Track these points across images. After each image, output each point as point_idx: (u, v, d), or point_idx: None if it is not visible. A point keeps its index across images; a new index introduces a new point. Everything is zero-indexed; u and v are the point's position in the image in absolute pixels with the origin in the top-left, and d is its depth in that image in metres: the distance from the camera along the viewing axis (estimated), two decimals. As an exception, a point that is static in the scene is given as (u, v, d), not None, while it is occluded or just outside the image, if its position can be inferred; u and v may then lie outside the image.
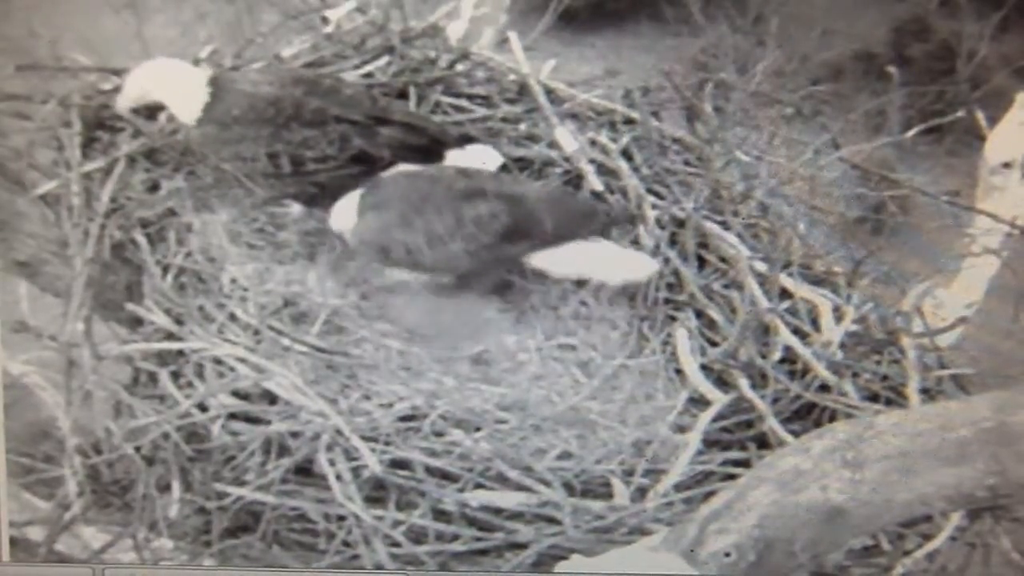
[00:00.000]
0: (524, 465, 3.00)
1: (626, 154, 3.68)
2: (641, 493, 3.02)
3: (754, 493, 2.62)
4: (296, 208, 3.46)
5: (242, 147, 3.32)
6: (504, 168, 3.64)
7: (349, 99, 3.44)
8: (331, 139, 3.33)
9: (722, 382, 3.26)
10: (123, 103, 3.44)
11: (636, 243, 3.50)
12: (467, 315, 3.33)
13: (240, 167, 3.37)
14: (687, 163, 3.71)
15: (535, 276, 3.38)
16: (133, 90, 3.40)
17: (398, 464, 2.97)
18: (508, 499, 2.96)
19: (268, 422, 3.03)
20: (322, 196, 3.38)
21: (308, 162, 3.34)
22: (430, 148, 3.44)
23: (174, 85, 3.37)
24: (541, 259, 3.30)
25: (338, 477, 2.94)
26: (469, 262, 3.25)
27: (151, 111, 3.62)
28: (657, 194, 3.60)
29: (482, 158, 3.51)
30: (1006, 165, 4.28)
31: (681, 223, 3.53)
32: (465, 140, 3.52)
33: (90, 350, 3.20)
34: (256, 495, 2.98)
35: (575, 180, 3.64)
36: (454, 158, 3.46)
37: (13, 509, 3.21)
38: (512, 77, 3.82)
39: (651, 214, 3.51)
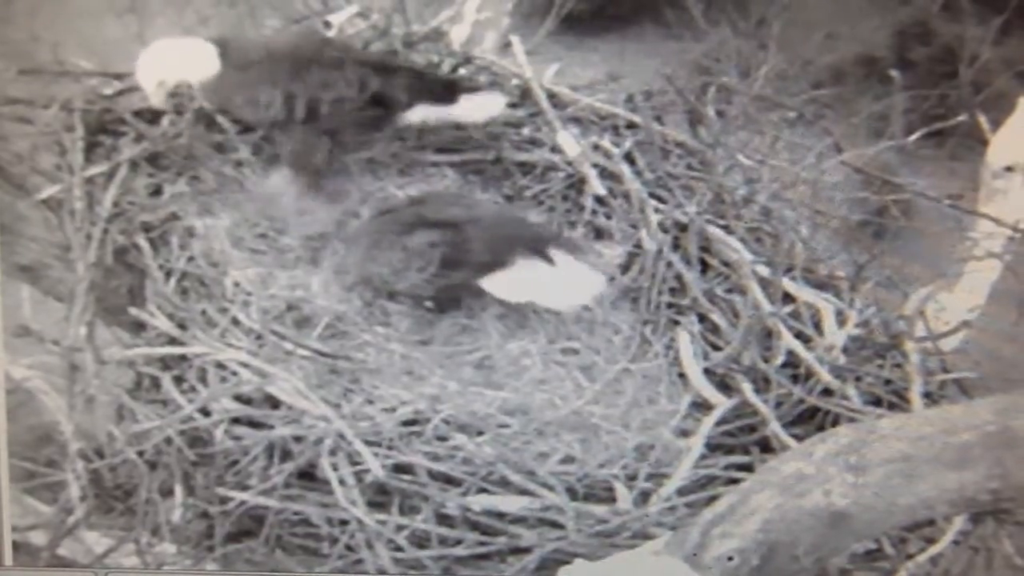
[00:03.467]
0: (527, 469, 3.00)
1: (629, 158, 3.68)
2: (644, 497, 3.01)
3: (757, 497, 2.62)
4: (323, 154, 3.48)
5: (258, 91, 3.34)
6: (506, 171, 3.65)
7: (364, 50, 3.56)
8: (349, 80, 3.36)
9: (725, 386, 3.26)
10: (156, 100, 3.44)
11: (639, 247, 3.50)
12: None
13: (252, 113, 3.39)
14: (689, 167, 3.72)
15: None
16: (153, 83, 3.40)
17: (401, 468, 2.97)
18: (511, 503, 2.96)
19: (271, 426, 3.02)
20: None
21: (324, 105, 3.35)
22: (445, 91, 3.50)
23: (183, 59, 3.38)
24: (490, 284, 3.30)
25: (341, 481, 2.94)
26: (430, 288, 3.27)
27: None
28: (660, 198, 3.60)
29: (489, 102, 3.58)
30: (1009, 169, 4.29)
31: (684, 227, 3.53)
32: (475, 88, 3.60)
33: (93, 354, 3.20)
34: (259, 499, 2.98)
35: (578, 184, 3.64)
36: (467, 100, 3.53)
37: (16, 513, 3.21)
38: (515, 81, 3.82)
39: (654, 218, 3.51)
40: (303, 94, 3.35)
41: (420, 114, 3.51)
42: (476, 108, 3.58)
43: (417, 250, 3.22)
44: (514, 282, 3.29)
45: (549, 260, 3.28)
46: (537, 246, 3.28)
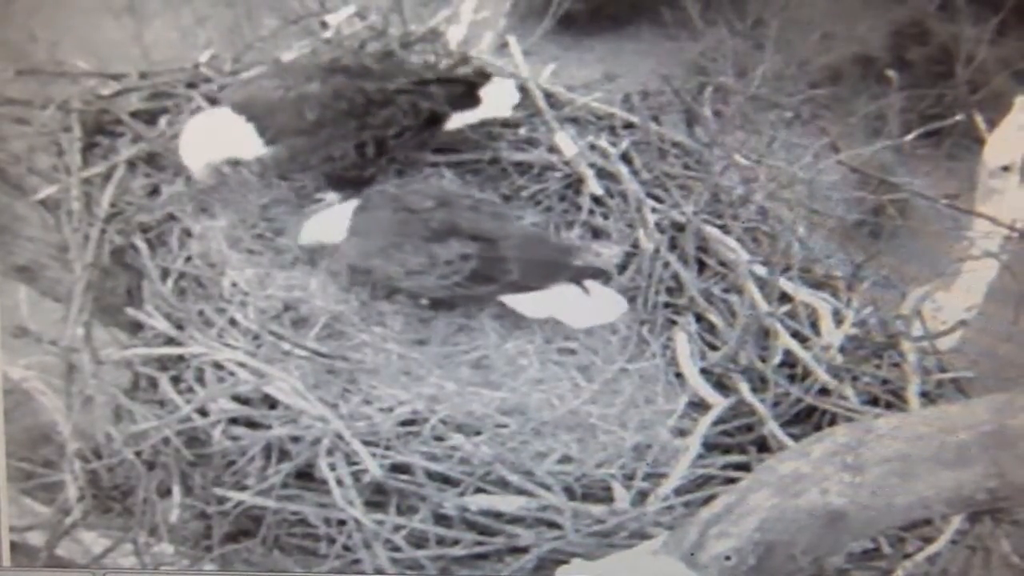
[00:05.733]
0: (524, 469, 3.00)
1: (626, 158, 3.68)
2: (641, 497, 3.02)
3: (754, 497, 2.62)
4: (332, 196, 3.50)
5: (333, 148, 3.37)
6: (503, 171, 3.65)
7: (386, 73, 3.54)
8: (404, 110, 3.42)
9: (722, 386, 3.26)
10: (202, 177, 3.41)
11: (636, 247, 3.50)
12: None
13: (329, 168, 3.42)
14: (686, 167, 3.71)
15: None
16: (201, 164, 3.38)
17: (398, 468, 2.98)
18: (508, 503, 2.96)
19: (268, 427, 3.03)
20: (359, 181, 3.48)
21: (389, 140, 3.42)
22: (470, 91, 3.54)
23: (225, 137, 3.37)
24: (512, 300, 3.30)
25: (339, 482, 2.94)
26: (444, 293, 3.27)
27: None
28: (657, 198, 3.60)
29: (503, 91, 3.60)
30: (1005, 168, 4.29)
31: (681, 227, 3.54)
32: (485, 77, 3.63)
33: (90, 355, 3.20)
34: (257, 500, 2.98)
35: (575, 184, 3.64)
36: (486, 95, 3.55)
37: (13, 514, 3.21)
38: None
39: (651, 218, 3.51)
40: (371, 138, 3.40)
41: (458, 121, 3.56)
42: (498, 101, 3.60)
43: (447, 259, 3.21)
44: (540, 302, 3.29)
45: (585, 290, 3.28)
46: (578, 278, 3.29)
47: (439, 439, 3.04)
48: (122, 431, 3.10)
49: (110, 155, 3.54)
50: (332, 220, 3.32)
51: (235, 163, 3.43)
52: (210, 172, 3.40)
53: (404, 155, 3.58)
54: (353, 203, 3.32)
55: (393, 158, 3.55)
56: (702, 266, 3.51)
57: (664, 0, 4.71)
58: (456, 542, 2.94)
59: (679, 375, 3.31)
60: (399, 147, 3.47)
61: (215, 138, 3.37)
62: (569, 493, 3.00)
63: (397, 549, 2.91)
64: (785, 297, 3.40)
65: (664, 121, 3.84)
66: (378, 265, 3.24)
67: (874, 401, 3.25)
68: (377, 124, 3.39)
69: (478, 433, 3.06)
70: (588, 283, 3.29)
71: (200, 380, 3.13)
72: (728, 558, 2.58)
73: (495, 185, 3.66)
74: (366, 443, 2.97)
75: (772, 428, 3.14)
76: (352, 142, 3.38)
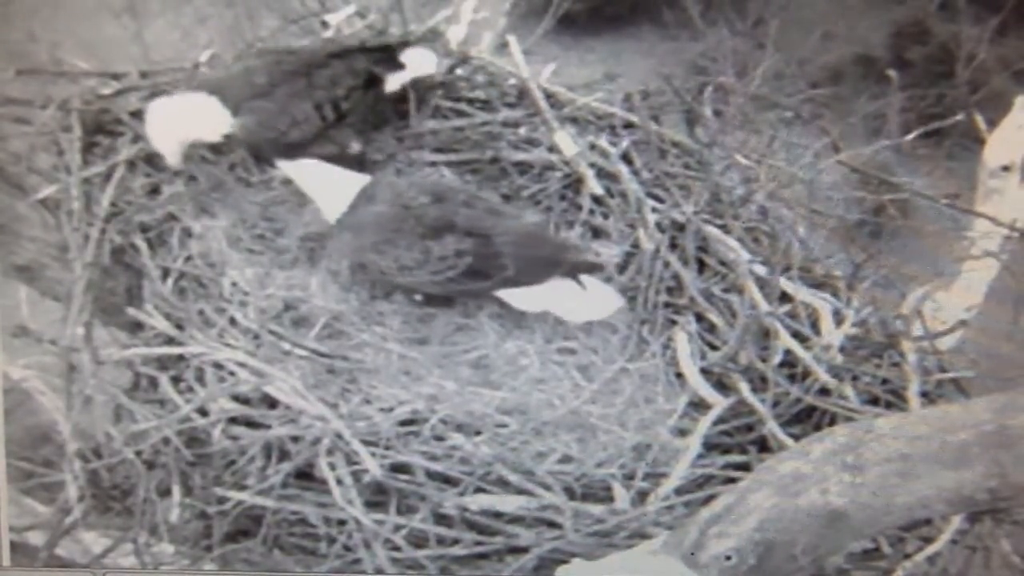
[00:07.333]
0: (525, 469, 3.00)
1: (626, 158, 3.68)
2: (642, 497, 3.02)
3: (754, 497, 2.62)
4: (355, 145, 3.56)
5: (293, 108, 3.42)
6: (503, 171, 3.65)
7: (324, 45, 3.69)
8: (343, 71, 3.50)
9: (722, 386, 3.26)
10: (174, 160, 3.45)
11: (636, 247, 3.50)
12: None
13: (298, 134, 3.44)
14: (687, 167, 3.71)
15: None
16: (172, 146, 3.41)
17: (398, 468, 2.97)
18: (509, 503, 2.96)
19: (268, 426, 3.03)
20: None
21: (341, 102, 3.47)
22: (394, 54, 3.63)
23: (193, 117, 3.40)
24: (507, 295, 3.30)
25: (339, 481, 2.94)
26: (438, 289, 3.27)
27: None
28: (657, 198, 3.60)
29: (421, 54, 3.67)
30: (1005, 168, 4.29)
31: (681, 227, 3.53)
32: (406, 45, 3.71)
33: (90, 354, 3.20)
34: (257, 499, 2.98)
35: (575, 184, 3.65)
36: (406, 57, 3.64)
37: (13, 514, 3.21)
38: (512, 81, 3.82)
39: (651, 218, 3.52)
40: (325, 99, 3.45)
41: (394, 82, 3.60)
42: (420, 62, 3.67)
43: (441, 255, 3.21)
44: (535, 297, 3.29)
45: (581, 285, 3.28)
46: (573, 272, 3.29)
47: (439, 439, 3.03)
48: (122, 431, 3.10)
49: (110, 155, 3.54)
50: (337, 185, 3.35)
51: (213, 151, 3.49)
52: (180, 153, 3.43)
53: (404, 154, 3.60)
54: (363, 180, 3.33)
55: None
56: (702, 266, 3.51)
57: (664, 0, 4.72)
58: (456, 542, 2.93)
59: (679, 375, 3.30)
60: (353, 109, 3.51)
61: (187, 117, 3.41)
62: (569, 493, 2.99)
63: (397, 549, 2.91)
64: (785, 297, 3.39)
65: (664, 121, 3.84)
66: (371, 260, 3.24)
67: (874, 401, 3.24)
68: (323, 83, 3.45)
69: (478, 433, 3.06)
70: (583, 278, 3.29)
71: (200, 380, 3.13)
72: (728, 558, 2.58)
73: (495, 185, 3.66)
74: (366, 443, 2.97)
75: (772, 428, 3.14)
76: (309, 102, 3.43)
